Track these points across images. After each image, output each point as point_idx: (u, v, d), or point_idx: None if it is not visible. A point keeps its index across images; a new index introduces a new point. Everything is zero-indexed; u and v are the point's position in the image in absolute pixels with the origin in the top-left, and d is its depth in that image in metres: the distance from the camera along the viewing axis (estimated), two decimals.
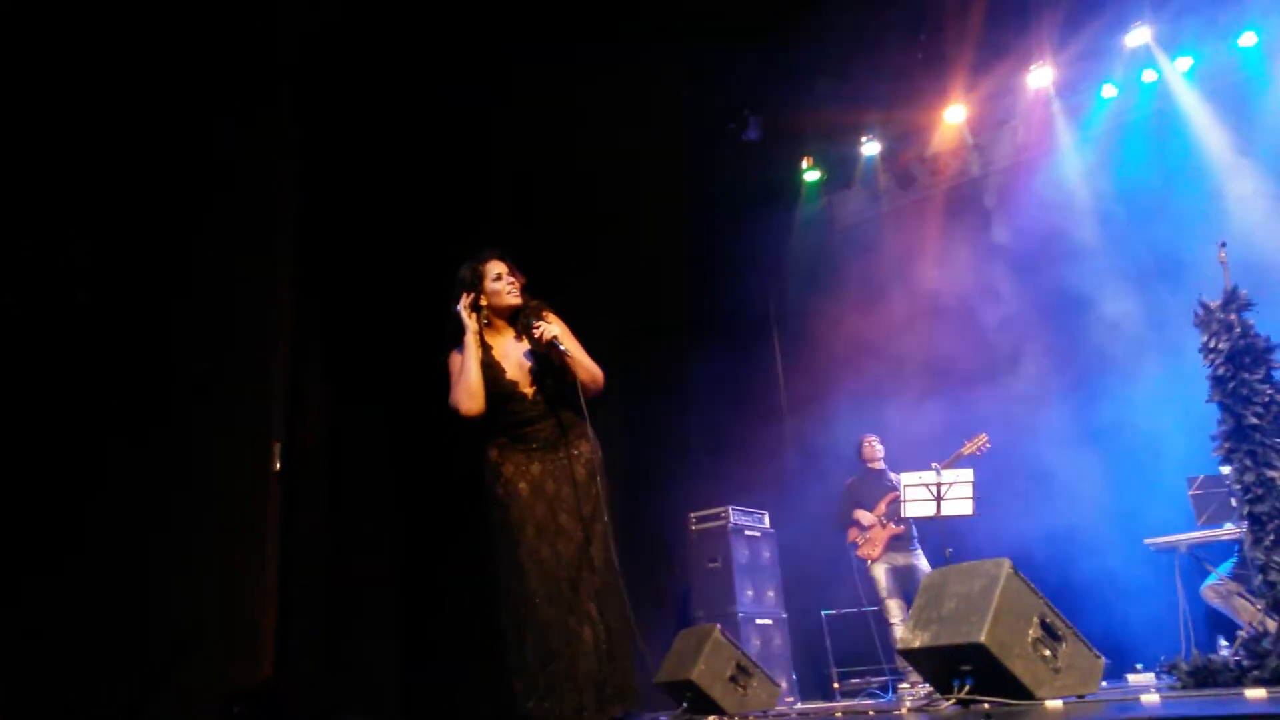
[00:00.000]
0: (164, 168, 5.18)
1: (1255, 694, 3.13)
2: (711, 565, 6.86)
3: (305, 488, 5.50)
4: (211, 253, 5.24)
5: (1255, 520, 3.76)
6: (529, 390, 3.72)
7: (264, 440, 5.14)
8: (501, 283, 3.74)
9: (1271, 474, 3.73)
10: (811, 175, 8.71)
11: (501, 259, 3.78)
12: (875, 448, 6.82)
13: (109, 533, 4.78)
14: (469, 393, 3.64)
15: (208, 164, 5.27)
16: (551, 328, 3.68)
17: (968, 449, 6.29)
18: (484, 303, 3.74)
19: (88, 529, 4.76)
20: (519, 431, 3.71)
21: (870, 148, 8.40)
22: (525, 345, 3.74)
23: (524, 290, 3.79)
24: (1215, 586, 5.42)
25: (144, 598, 4.72)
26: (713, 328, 8.02)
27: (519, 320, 3.76)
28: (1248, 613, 4.90)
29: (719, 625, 5.37)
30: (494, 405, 3.70)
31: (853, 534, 6.64)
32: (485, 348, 3.73)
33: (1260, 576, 3.74)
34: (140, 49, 5.11)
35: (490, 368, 3.70)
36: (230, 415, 5.11)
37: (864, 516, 6.53)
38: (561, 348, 3.62)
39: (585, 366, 3.68)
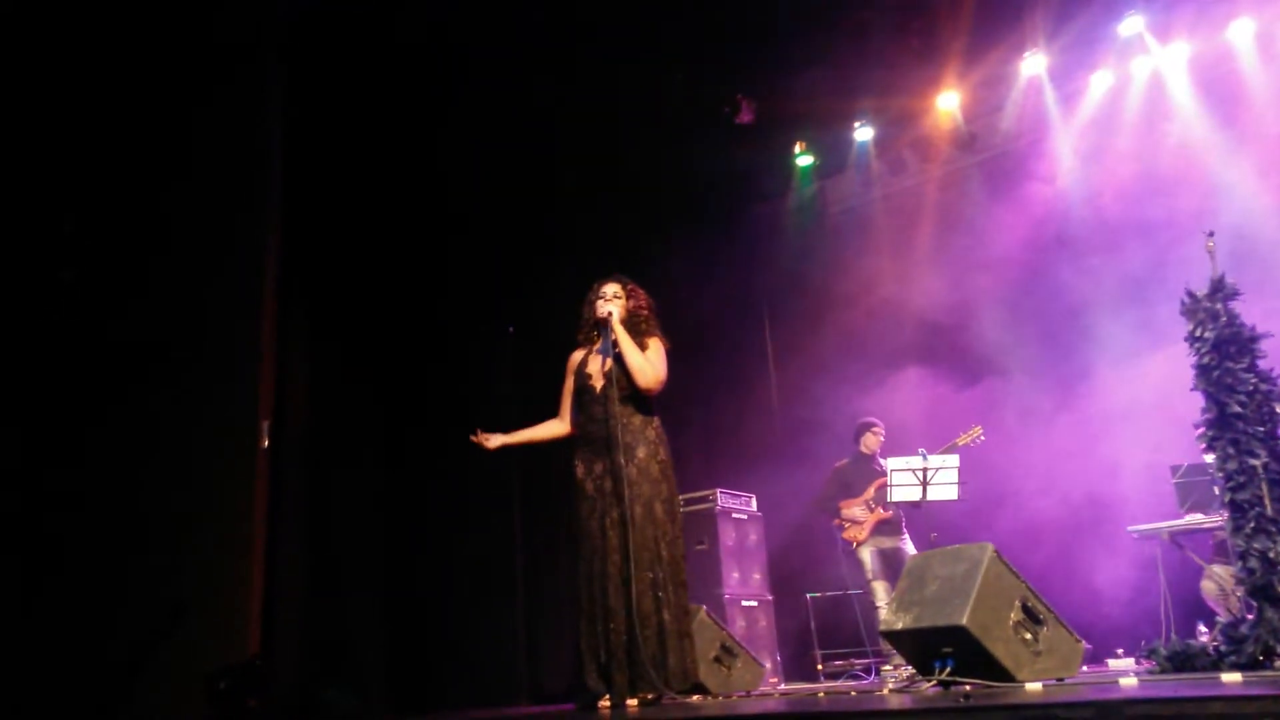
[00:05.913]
0: (149, 141, 5.14)
1: (1231, 678, 3.16)
2: (699, 547, 6.88)
3: (292, 466, 5.49)
4: (197, 227, 5.21)
5: (1236, 508, 3.78)
6: (598, 389, 3.99)
7: (251, 418, 5.12)
8: (601, 300, 4.10)
9: (1253, 462, 3.75)
10: (804, 160, 8.70)
11: (616, 280, 4.17)
12: (879, 437, 6.78)
13: (94, 510, 4.77)
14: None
15: (193, 136, 5.23)
16: (607, 306, 4.03)
17: (962, 440, 6.28)
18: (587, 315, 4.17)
19: (73, 506, 4.74)
20: (587, 430, 4.02)
21: (863, 133, 8.40)
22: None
23: (637, 308, 4.11)
24: (1217, 581, 5.35)
25: (130, 575, 4.71)
26: (703, 312, 8.01)
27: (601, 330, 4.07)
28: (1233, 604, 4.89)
29: (705, 606, 5.40)
30: (577, 407, 4.09)
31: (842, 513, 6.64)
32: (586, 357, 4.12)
33: (1240, 563, 3.76)
34: (123, 20, 5.06)
35: (579, 374, 4.09)
36: (217, 393, 5.10)
37: (855, 512, 6.51)
38: (611, 327, 3.94)
39: (634, 360, 3.93)
